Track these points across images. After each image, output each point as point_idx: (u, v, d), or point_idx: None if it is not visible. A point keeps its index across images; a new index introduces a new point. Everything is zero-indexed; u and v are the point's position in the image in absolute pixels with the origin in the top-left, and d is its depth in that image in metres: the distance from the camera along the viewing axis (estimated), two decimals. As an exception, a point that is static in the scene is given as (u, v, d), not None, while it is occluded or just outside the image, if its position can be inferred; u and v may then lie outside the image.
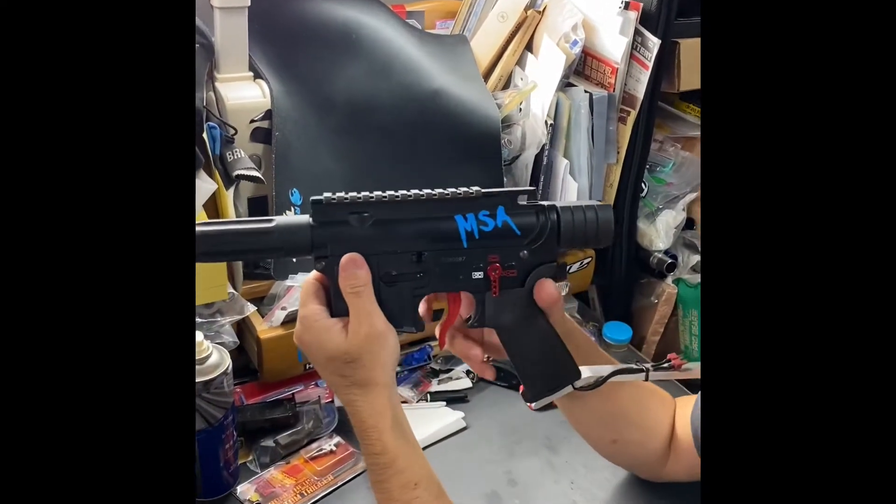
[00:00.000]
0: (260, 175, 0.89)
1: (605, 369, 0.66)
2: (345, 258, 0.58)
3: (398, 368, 0.99)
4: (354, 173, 0.97)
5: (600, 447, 0.76)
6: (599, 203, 0.63)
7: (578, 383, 0.64)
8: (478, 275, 0.60)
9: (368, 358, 0.58)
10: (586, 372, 0.65)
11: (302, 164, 0.94)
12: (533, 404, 0.66)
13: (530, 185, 1.06)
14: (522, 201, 0.61)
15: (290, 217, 0.60)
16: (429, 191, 0.59)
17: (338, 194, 0.58)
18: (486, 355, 0.67)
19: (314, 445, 0.86)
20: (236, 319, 0.89)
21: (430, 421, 0.89)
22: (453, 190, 0.59)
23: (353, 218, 0.58)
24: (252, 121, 0.93)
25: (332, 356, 0.58)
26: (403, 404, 0.91)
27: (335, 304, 0.59)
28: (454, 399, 0.94)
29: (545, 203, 0.62)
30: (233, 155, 0.89)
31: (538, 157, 1.05)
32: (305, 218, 0.59)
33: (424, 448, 0.85)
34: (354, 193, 0.58)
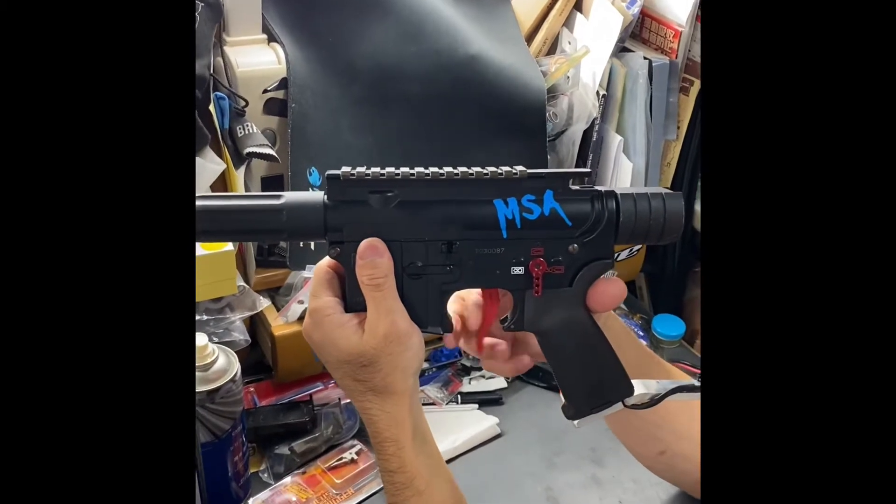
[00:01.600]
0: (274, 152, 0.86)
1: (662, 385, 0.60)
2: (363, 244, 0.52)
3: (425, 366, 0.95)
4: (380, 150, 0.93)
5: (646, 459, 0.71)
6: (668, 191, 0.56)
7: (630, 401, 0.58)
8: (518, 270, 0.54)
9: (387, 361, 0.53)
10: (639, 387, 0.59)
11: (321, 139, 0.91)
12: (576, 422, 0.60)
13: (577, 165, 1.01)
14: (574, 186, 0.54)
15: (302, 194, 0.54)
16: (464, 169, 0.53)
17: (358, 169, 0.52)
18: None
19: (333, 453, 0.83)
20: (248, 316, 0.85)
21: (460, 427, 0.86)
22: (493, 169, 0.53)
23: (374, 198, 0.52)
24: (265, 90, 0.89)
25: (345, 358, 0.54)
26: (431, 406, 0.88)
27: (350, 298, 0.54)
28: (487, 401, 0.91)
29: (602, 188, 0.55)
30: (244, 130, 0.85)
31: (587, 133, 1.00)
32: (320, 196, 0.53)
33: (454, 458, 0.84)
34: (377, 169, 0.52)
